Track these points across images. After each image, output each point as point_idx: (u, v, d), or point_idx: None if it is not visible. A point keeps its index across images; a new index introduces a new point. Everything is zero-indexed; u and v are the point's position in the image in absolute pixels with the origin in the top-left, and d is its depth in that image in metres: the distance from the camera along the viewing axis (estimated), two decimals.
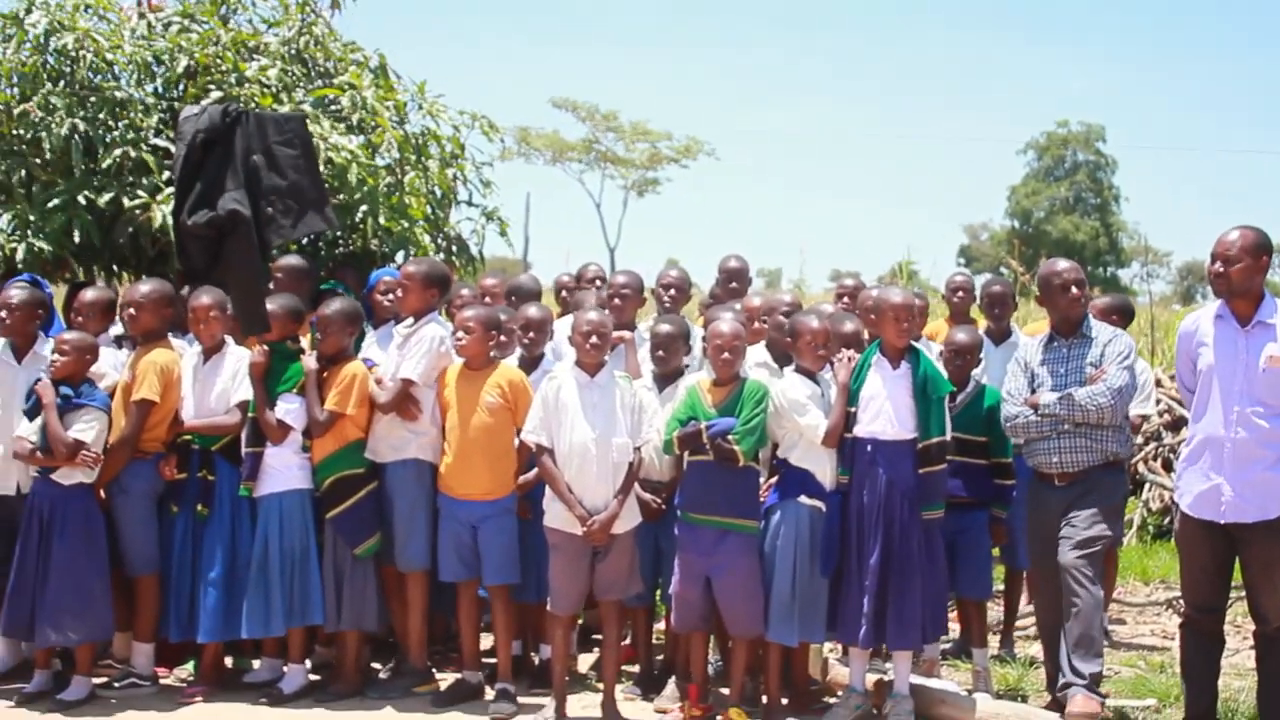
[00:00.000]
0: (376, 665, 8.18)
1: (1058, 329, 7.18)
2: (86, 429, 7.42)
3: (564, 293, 9.61)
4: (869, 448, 7.09)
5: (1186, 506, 6.62)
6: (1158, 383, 12.33)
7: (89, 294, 8.11)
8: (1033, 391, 7.10)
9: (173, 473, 7.71)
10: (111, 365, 8.00)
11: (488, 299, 8.68)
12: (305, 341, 8.04)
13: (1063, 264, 7.30)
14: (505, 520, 7.56)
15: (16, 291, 7.82)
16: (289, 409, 7.64)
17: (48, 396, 7.36)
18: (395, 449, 7.78)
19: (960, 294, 9.28)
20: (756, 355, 7.74)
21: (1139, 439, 11.94)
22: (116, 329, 8.38)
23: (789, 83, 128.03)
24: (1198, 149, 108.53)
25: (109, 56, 9.25)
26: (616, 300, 8.25)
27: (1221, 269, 6.47)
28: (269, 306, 7.64)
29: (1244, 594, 6.83)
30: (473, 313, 7.61)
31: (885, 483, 7.06)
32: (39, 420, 7.44)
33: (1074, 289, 7.12)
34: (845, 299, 8.86)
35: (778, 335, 7.72)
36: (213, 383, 7.78)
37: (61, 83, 9.16)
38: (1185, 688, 6.92)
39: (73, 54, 9.14)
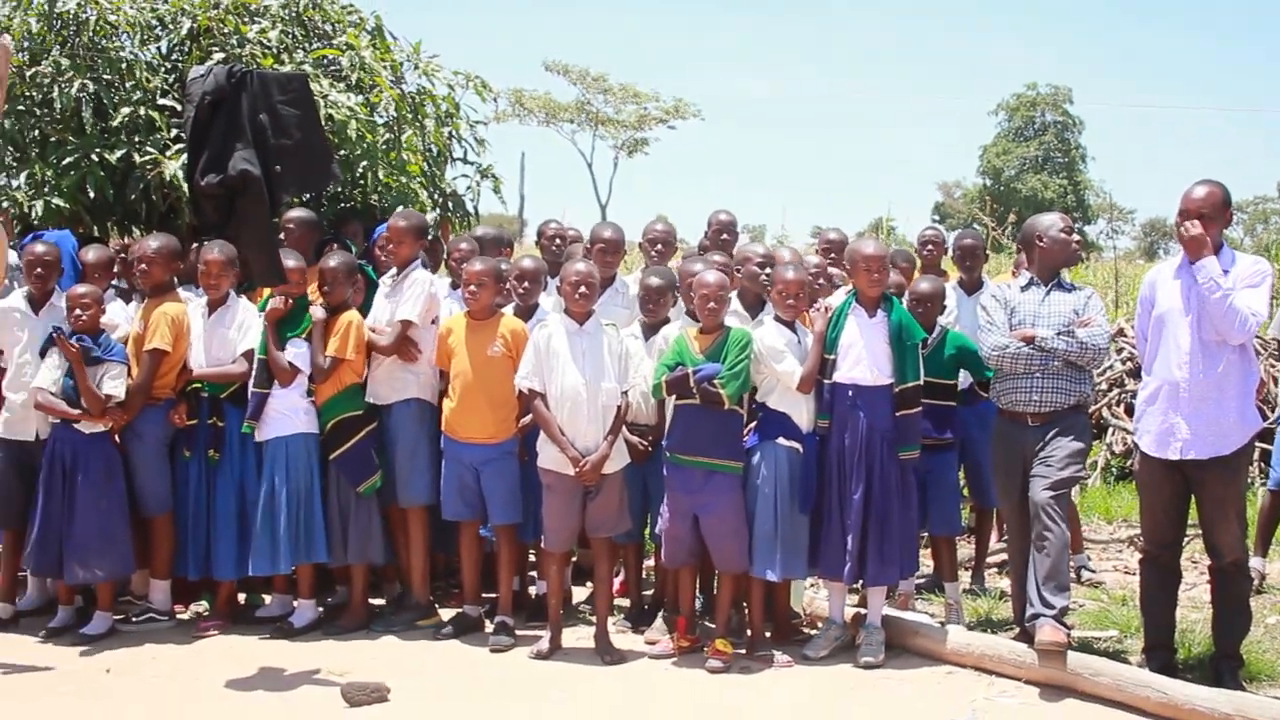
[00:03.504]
0: (379, 601, 8.49)
1: (1040, 275, 7.37)
2: (116, 384, 7.77)
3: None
4: (849, 393, 7.37)
5: (1146, 447, 6.89)
6: (1120, 332, 12.77)
7: (91, 254, 8.41)
8: (1010, 329, 7.28)
9: (183, 420, 8.03)
10: (122, 317, 8.35)
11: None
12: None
13: (1056, 214, 7.56)
14: (508, 463, 7.84)
15: (43, 246, 8.16)
16: (298, 352, 7.95)
17: (74, 354, 7.66)
18: (397, 390, 8.11)
19: (930, 247, 9.61)
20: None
21: (1103, 385, 12.35)
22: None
23: (772, 47, 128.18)
24: (1161, 109, 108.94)
25: (111, 19, 9.45)
26: (609, 256, 8.53)
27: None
28: (290, 263, 7.91)
29: (1200, 531, 7.07)
30: (482, 266, 7.88)
31: (865, 426, 7.34)
32: (56, 370, 7.77)
33: (1075, 235, 7.41)
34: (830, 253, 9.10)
35: (750, 285, 8.04)
36: (219, 333, 8.09)
37: (68, 45, 9.40)
38: (1144, 619, 7.22)
39: (76, 17, 9.37)
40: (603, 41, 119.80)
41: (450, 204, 10.68)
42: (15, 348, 8.05)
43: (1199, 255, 6.66)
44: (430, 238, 9.65)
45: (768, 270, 7.87)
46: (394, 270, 8.30)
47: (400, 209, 8.95)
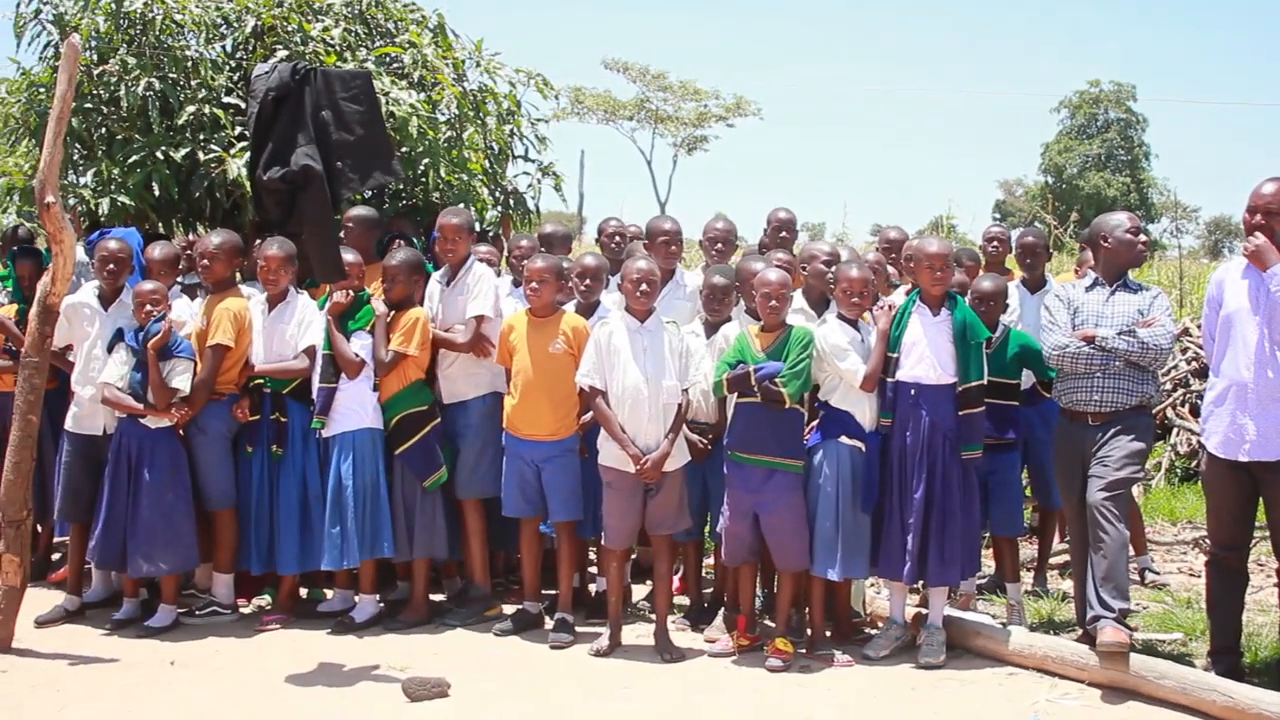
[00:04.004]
0: (439, 597, 8.54)
1: (1105, 276, 7.34)
2: (182, 379, 7.85)
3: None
4: (912, 391, 7.35)
5: (1213, 448, 6.83)
6: (1185, 332, 12.65)
7: (157, 251, 8.48)
8: (1074, 329, 7.25)
9: (245, 415, 8.11)
10: (187, 314, 8.41)
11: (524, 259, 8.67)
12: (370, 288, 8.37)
13: (1124, 214, 7.50)
14: (568, 460, 7.87)
15: (116, 243, 8.27)
16: (363, 344, 8.01)
17: (155, 351, 7.77)
18: (474, 386, 8.21)
19: (995, 244, 9.59)
20: (794, 302, 7.92)
21: (1167, 385, 12.24)
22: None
23: (832, 43, 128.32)
24: (1226, 105, 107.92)
25: (177, 18, 9.53)
26: (673, 247, 8.56)
27: (1262, 220, 6.65)
28: (348, 258, 7.98)
29: (1267, 533, 7.03)
30: (543, 264, 7.90)
31: (928, 425, 7.32)
32: (124, 366, 7.86)
33: (1142, 236, 7.36)
34: (891, 251, 9.10)
35: (815, 282, 8.01)
36: (278, 329, 8.17)
37: (135, 44, 9.49)
38: (1210, 622, 7.15)
39: (143, 16, 9.47)
40: (662, 39, 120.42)
41: (511, 201, 10.76)
42: (85, 343, 8.16)
43: (1266, 265, 6.59)
44: (492, 235, 9.72)
45: (834, 268, 7.83)
46: (445, 268, 8.35)
47: (449, 207, 8.97)
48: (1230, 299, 6.81)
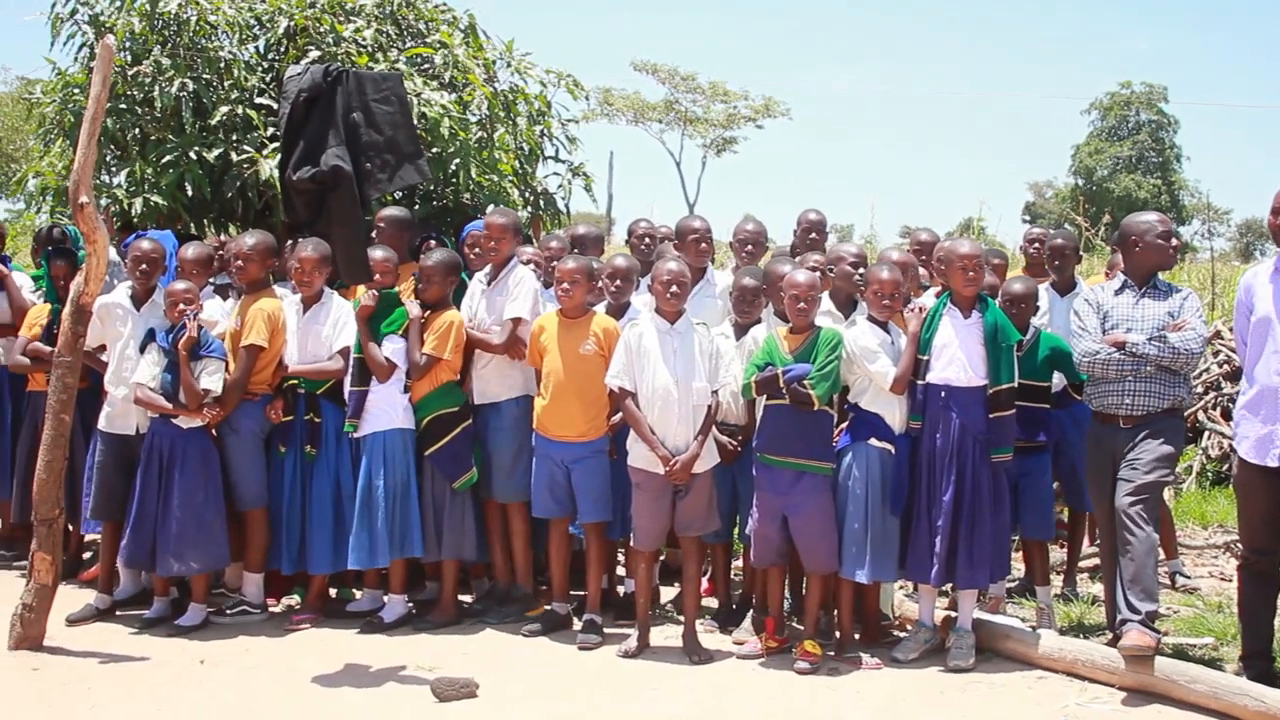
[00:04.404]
0: (467, 598, 8.56)
1: (1134, 278, 7.29)
2: (214, 379, 7.89)
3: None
4: (942, 394, 7.32)
5: (1244, 453, 6.77)
6: (1217, 335, 12.57)
7: (190, 251, 8.46)
8: (1104, 334, 7.21)
9: (279, 416, 8.14)
10: (221, 314, 8.46)
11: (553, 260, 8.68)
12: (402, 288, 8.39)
13: (1155, 216, 7.42)
14: (598, 461, 7.87)
15: (149, 244, 8.30)
16: (395, 348, 8.01)
17: (186, 351, 7.81)
18: (508, 388, 8.20)
19: (1036, 245, 9.58)
20: (822, 304, 7.87)
21: (1199, 388, 12.17)
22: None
23: (860, 46, 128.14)
24: (1259, 107, 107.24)
25: (211, 19, 9.61)
26: (703, 245, 8.59)
27: None
28: (377, 256, 8.00)
29: None
30: (574, 264, 7.90)
31: (958, 427, 7.28)
32: (155, 366, 7.90)
33: (1174, 239, 7.29)
34: (921, 254, 9.05)
35: (843, 284, 7.99)
36: (314, 330, 8.18)
37: (169, 45, 9.56)
38: (1242, 627, 7.08)
39: (177, 18, 9.54)
40: (692, 41, 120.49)
41: (542, 202, 10.78)
42: (118, 343, 8.19)
43: None
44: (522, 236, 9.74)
45: (861, 270, 7.82)
46: (487, 268, 8.34)
47: (494, 206, 8.96)
48: (1260, 303, 6.75)
